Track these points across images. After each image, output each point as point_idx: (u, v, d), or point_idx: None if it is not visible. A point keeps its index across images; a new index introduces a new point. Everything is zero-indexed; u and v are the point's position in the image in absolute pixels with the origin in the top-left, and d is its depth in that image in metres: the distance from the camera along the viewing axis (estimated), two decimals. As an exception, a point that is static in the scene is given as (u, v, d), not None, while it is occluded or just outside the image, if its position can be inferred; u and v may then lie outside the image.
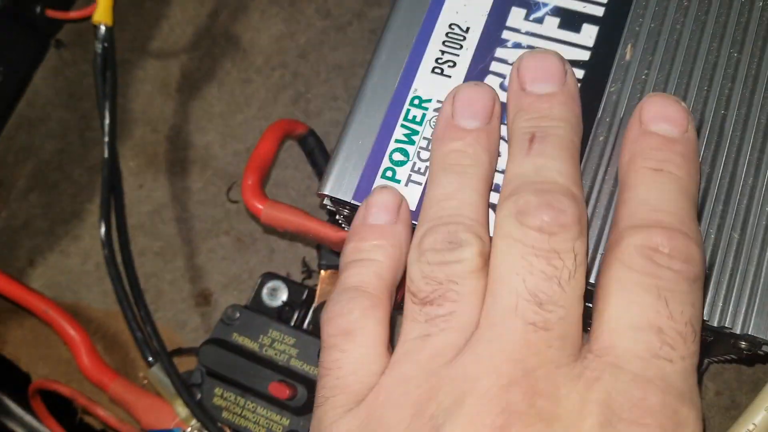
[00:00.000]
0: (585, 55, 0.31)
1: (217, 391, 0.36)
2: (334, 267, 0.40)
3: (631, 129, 0.22)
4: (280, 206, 0.35)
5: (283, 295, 0.39)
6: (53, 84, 0.50)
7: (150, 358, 0.38)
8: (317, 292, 0.39)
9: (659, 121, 0.22)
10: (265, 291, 0.40)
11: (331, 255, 0.40)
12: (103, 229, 0.39)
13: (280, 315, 0.39)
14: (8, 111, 0.49)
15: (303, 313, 0.39)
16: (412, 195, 0.29)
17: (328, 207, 0.33)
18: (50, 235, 0.46)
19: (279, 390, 0.33)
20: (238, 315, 0.37)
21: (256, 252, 0.44)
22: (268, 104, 0.47)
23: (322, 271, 0.40)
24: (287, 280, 0.40)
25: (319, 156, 0.43)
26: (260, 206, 0.35)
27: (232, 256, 0.44)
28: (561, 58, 0.23)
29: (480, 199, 0.24)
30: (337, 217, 0.34)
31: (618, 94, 0.30)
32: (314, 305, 0.39)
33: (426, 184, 0.29)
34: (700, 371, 0.35)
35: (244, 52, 0.49)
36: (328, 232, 0.33)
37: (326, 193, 0.30)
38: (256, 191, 0.35)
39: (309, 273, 0.43)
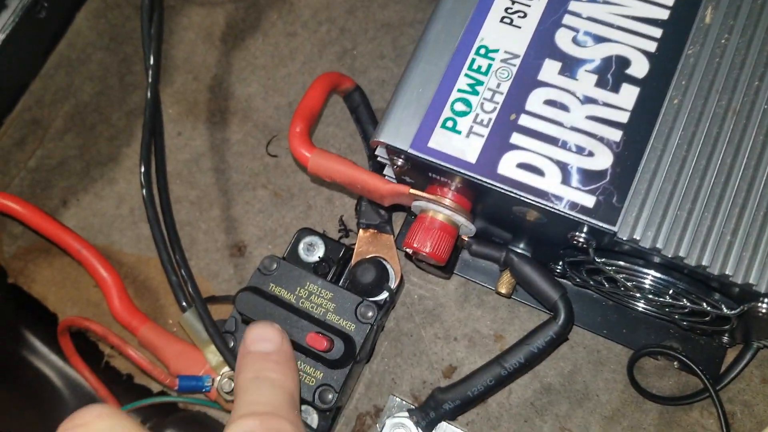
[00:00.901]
0: (664, 14, 0.29)
1: (251, 339, 0.35)
2: (374, 226, 0.39)
3: (240, 352, 0.27)
4: (328, 155, 0.34)
5: (320, 251, 0.39)
6: (95, 26, 0.49)
7: (183, 303, 0.37)
8: (355, 251, 0.38)
9: (257, 342, 0.27)
10: (301, 246, 0.39)
11: (371, 214, 0.39)
12: (143, 169, 0.38)
13: (316, 271, 0.38)
14: (49, 50, 0.49)
15: (339, 271, 0.39)
16: (473, 146, 0.28)
17: (379, 158, 0.32)
18: (85, 176, 0.46)
19: (317, 341, 0.33)
20: (275, 266, 0.37)
21: (293, 207, 0.43)
22: (313, 59, 0.46)
23: (361, 230, 0.39)
24: (324, 237, 0.39)
25: (363, 113, 0.42)
26: (308, 154, 0.34)
27: (268, 210, 0.43)
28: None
29: None
30: (387, 169, 0.33)
31: (696, 57, 0.28)
32: (351, 263, 0.38)
33: (488, 136, 0.28)
34: (750, 354, 0.34)
35: (290, 5, 0.47)
36: (376, 182, 0.32)
37: (382, 140, 0.29)
38: (303, 139, 0.34)
39: (346, 232, 0.42)
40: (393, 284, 0.37)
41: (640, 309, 0.35)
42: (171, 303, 0.42)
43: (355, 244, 0.39)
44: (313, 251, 0.39)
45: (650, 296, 0.30)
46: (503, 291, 0.36)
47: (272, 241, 0.42)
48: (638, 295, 0.31)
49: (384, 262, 0.38)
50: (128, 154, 0.46)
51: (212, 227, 0.43)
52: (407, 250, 0.32)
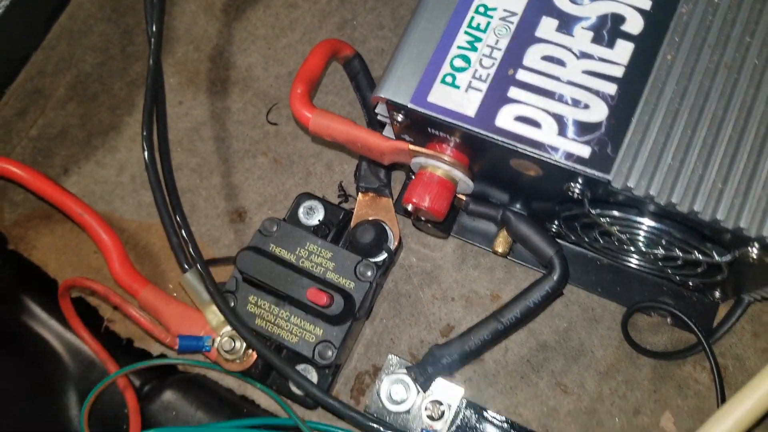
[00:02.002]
0: (658, -27, 0.30)
1: (252, 298, 0.36)
2: (373, 190, 0.40)
3: None
4: (329, 114, 0.34)
5: (320, 215, 0.39)
6: (96, -2, 0.50)
7: (185, 265, 0.38)
8: (354, 213, 0.39)
9: None
10: (301, 210, 0.40)
11: (370, 178, 0.40)
12: (144, 133, 0.39)
13: (316, 233, 0.38)
14: (51, 21, 0.49)
15: (338, 234, 0.39)
16: (472, 100, 0.29)
17: (379, 116, 0.33)
18: (86, 145, 0.46)
19: (317, 296, 0.33)
20: (276, 227, 0.37)
21: (292, 174, 0.43)
22: (313, 29, 0.46)
23: (360, 194, 0.40)
24: (324, 201, 0.40)
25: (363, 80, 0.42)
26: (309, 114, 0.34)
27: (268, 177, 0.44)
28: None
29: None
30: (387, 129, 0.34)
31: (689, 14, 0.29)
32: (351, 226, 0.39)
33: (487, 90, 0.29)
34: (742, 310, 0.34)
35: (291, -23, 0.48)
36: (377, 140, 0.33)
37: (383, 96, 0.30)
38: (305, 100, 0.35)
39: (345, 197, 0.42)
40: (392, 245, 0.38)
41: (634, 265, 0.35)
42: (172, 268, 0.42)
43: (354, 208, 0.39)
44: (313, 215, 0.39)
45: (643, 249, 0.31)
46: (500, 250, 0.37)
47: (272, 207, 0.43)
48: (632, 248, 0.31)
49: (383, 223, 0.38)
50: (130, 123, 0.46)
51: (213, 194, 0.44)
52: (407, 206, 0.32)
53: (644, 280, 0.37)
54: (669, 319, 0.36)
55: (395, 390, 0.35)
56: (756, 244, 0.26)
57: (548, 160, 0.27)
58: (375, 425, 0.32)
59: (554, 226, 0.35)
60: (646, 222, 0.29)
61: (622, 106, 0.28)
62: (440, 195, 0.31)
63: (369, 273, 0.36)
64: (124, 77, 0.47)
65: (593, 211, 0.29)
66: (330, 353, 0.35)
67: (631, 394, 0.36)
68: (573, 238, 0.35)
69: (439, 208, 0.32)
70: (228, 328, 0.36)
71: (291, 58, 0.46)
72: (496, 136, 0.28)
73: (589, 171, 0.27)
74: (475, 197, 0.35)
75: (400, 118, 0.30)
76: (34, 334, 0.43)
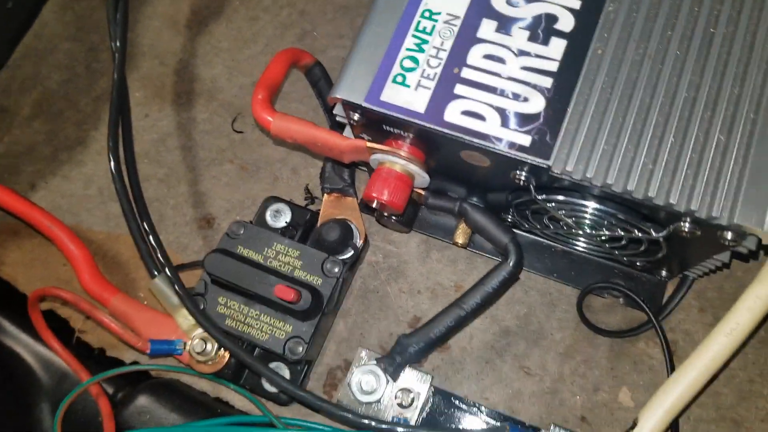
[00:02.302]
0: (586, -24, 0.32)
1: (221, 299, 0.37)
2: (338, 190, 0.41)
3: None
4: (289, 117, 0.36)
5: (287, 217, 0.40)
6: (62, 17, 0.51)
7: (154, 271, 0.38)
8: (320, 213, 0.40)
9: None
10: (268, 213, 0.41)
11: (334, 178, 0.41)
12: (110, 143, 0.39)
13: (283, 234, 0.39)
14: (15, 41, 0.49)
15: (305, 234, 0.40)
16: (421, 98, 0.31)
17: (337, 117, 0.34)
18: (53, 160, 0.46)
19: (284, 292, 0.34)
20: (242, 230, 0.38)
21: (259, 180, 0.45)
22: (275, 41, 0.48)
23: (326, 195, 0.41)
24: (290, 204, 0.41)
25: (324, 87, 0.44)
26: (270, 118, 0.36)
27: (235, 183, 0.45)
28: None
29: None
30: (346, 131, 0.35)
31: (615, 11, 0.32)
32: (318, 225, 0.40)
33: (435, 88, 0.31)
34: (687, 287, 0.37)
35: (252, -8, 0.50)
36: (336, 139, 0.34)
37: (339, 96, 0.32)
38: (265, 105, 0.36)
39: (312, 199, 0.44)
40: (358, 242, 0.39)
41: (582, 248, 0.37)
42: (141, 276, 0.43)
43: (320, 210, 0.41)
44: (280, 217, 0.41)
45: (589, 231, 0.33)
46: (459, 241, 0.38)
47: (240, 212, 0.44)
48: (579, 232, 0.33)
49: (349, 222, 0.40)
50: (96, 138, 0.47)
51: (180, 202, 0.44)
52: (367, 201, 0.34)
53: (597, 264, 0.39)
54: (621, 300, 0.38)
55: (366, 381, 0.36)
56: (687, 218, 0.28)
57: (493, 150, 0.29)
58: (348, 415, 0.33)
59: (509, 216, 0.37)
60: (589, 204, 0.31)
61: (558, 98, 0.30)
62: (398, 188, 0.33)
63: (336, 269, 0.37)
64: (90, 93, 0.48)
65: (539, 197, 0.31)
66: (300, 349, 0.35)
67: (590, 373, 0.38)
68: (526, 225, 0.37)
69: (397, 201, 0.33)
70: (199, 330, 0.37)
71: (254, 69, 0.48)
72: (445, 130, 0.30)
73: (530, 158, 0.29)
74: (434, 192, 0.37)
75: (356, 117, 0.32)
76: (4, 348, 0.42)
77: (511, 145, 0.29)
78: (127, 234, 0.43)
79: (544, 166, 0.29)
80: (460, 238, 0.38)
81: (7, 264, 0.44)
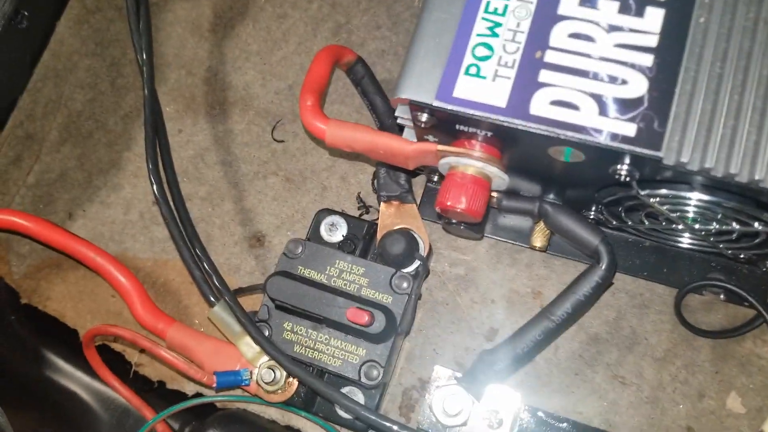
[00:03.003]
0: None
1: (287, 325, 0.34)
2: (395, 197, 0.38)
3: None
4: (345, 123, 0.32)
5: (343, 230, 0.37)
6: (78, 32, 0.48)
7: (211, 298, 0.36)
8: (379, 224, 0.37)
9: None
10: (323, 227, 0.38)
11: (390, 185, 0.38)
12: (150, 166, 0.37)
13: (342, 249, 0.36)
14: (34, 62, 0.47)
15: (365, 247, 0.37)
16: (501, 91, 0.27)
17: (399, 119, 0.31)
18: (88, 186, 0.44)
19: (357, 316, 0.31)
20: (301, 248, 0.35)
21: (307, 191, 0.42)
22: (308, 38, 0.45)
23: (383, 203, 0.38)
24: (344, 215, 0.38)
25: (369, 84, 0.40)
26: (324, 126, 0.33)
27: (282, 197, 0.42)
28: None
29: None
30: (406, 132, 0.32)
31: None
32: (378, 237, 0.37)
33: (515, 77, 0.27)
34: None
35: (278, -13, 0.46)
36: (401, 144, 0.31)
37: (405, 96, 0.28)
38: (316, 111, 0.33)
39: (366, 208, 0.40)
40: (423, 252, 0.36)
41: (684, 245, 0.34)
42: (195, 302, 0.40)
43: (377, 219, 0.38)
44: (336, 231, 0.38)
45: (695, 225, 0.29)
46: (538, 244, 0.35)
47: (291, 228, 0.41)
48: (681, 227, 0.30)
49: (411, 231, 0.37)
50: (130, 158, 0.44)
51: (227, 221, 0.42)
52: (442, 211, 0.31)
53: (690, 258, 0.35)
54: (722, 296, 0.35)
55: (448, 402, 0.33)
56: None
57: (593, 144, 0.26)
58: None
59: (592, 212, 0.34)
60: (699, 197, 0.27)
61: (663, 77, 0.26)
62: (476, 194, 0.30)
63: (405, 284, 0.34)
64: (118, 111, 0.45)
65: (642, 192, 0.27)
66: (376, 373, 0.33)
67: (693, 378, 0.34)
68: (614, 223, 0.34)
69: (476, 209, 0.30)
70: (265, 358, 0.35)
71: (289, 71, 0.44)
72: (533, 125, 0.26)
73: (638, 150, 0.25)
74: (507, 193, 0.33)
75: (425, 118, 0.29)
76: (60, 387, 0.41)
77: (614, 136, 0.26)
78: (175, 259, 0.41)
79: (655, 158, 0.25)
80: (538, 241, 0.35)
81: (53, 299, 0.42)
